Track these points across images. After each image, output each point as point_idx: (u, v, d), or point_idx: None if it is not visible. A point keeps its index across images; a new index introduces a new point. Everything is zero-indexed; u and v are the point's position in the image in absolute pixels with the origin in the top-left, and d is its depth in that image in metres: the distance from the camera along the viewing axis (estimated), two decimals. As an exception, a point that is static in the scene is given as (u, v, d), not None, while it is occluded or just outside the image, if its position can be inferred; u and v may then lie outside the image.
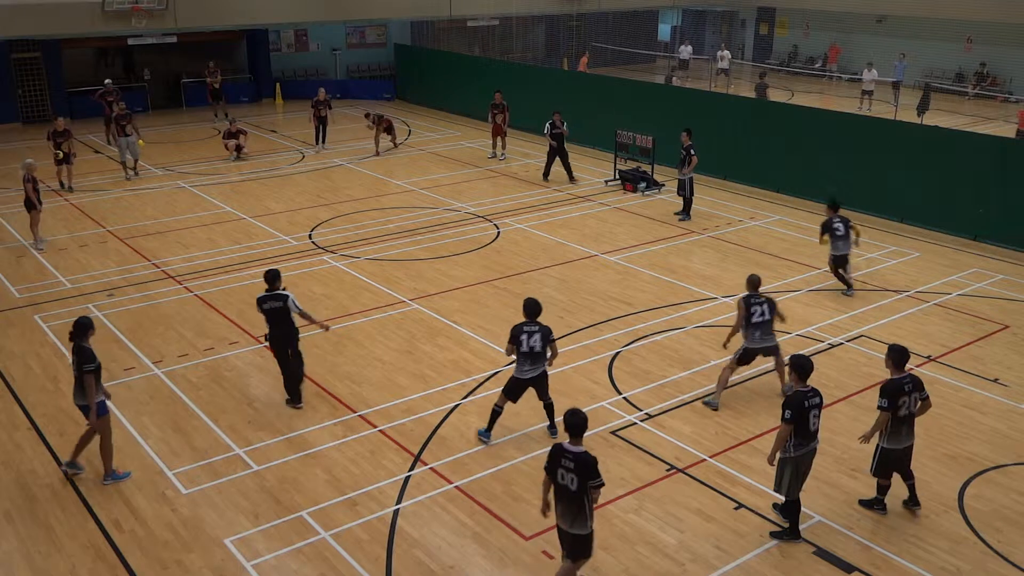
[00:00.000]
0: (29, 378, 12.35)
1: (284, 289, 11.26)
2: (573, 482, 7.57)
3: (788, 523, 9.04)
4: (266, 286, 11.20)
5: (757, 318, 11.50)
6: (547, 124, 22.20)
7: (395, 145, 26.36)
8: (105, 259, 16.96)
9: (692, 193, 19.44)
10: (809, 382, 8.77)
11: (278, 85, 33.61)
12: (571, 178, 22.35)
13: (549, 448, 7.89)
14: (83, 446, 9.95)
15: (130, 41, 29.50)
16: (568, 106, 25.45)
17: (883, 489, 9.47)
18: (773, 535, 9.06)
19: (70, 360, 9.91)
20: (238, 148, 24.49)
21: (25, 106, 29.57)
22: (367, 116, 26.41)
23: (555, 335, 9.94)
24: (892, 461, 9.18)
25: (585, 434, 7.85)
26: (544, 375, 10.48)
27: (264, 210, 20.05)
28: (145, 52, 32.18)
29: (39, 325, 14.03)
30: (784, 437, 8.68)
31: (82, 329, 9.71)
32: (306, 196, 21.17)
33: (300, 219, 19.40)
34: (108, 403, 9.93)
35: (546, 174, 22.66)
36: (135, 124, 22.36)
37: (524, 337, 10.24)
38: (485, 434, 10.68)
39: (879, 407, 8.98)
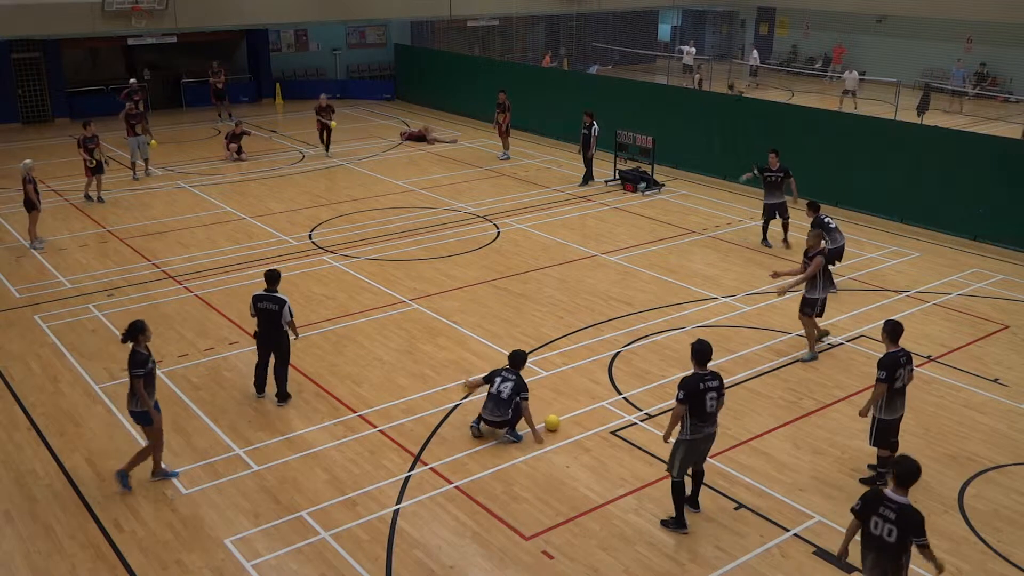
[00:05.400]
0: (29, 378, 12.35)
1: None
2: (891, 533, 6.86)
3: (675, 509, 9.08)
4: (265, 285, 11.34)
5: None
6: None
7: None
8: (105, 259, 16.96)
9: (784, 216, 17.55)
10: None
11: (278, 85, 33.61)
12: (584, 179, 22.24)
13: (863, 494, 7.21)
14: (140, 460, 9.77)
15: (130, 41, 29.50)
16: (568, 106, 25.52)
17: (884, 461, 9.78)
18: (663, 523, 9.19)
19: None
20: (239, 151, 24.47)
21: (25, 106, 29.58)
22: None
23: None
24: (891, 431, 9.66)
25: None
26: (504, 423, 10.65)
27: (264, 210, 20.06)
28: (146, 52, 32.19)
29: (39, 325, 14.03)
30: (677, 417, 8.82)
31: (132, 331, 9.46)
32: (306, 196, 21.17)
33: (300, 219, 19.40)
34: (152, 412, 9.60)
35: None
36: (146, 124, 22.41)
37: (498, 380, 10.65)
38: (477, 430, 10.84)
39: (878, 379, 9.37)
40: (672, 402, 9.66)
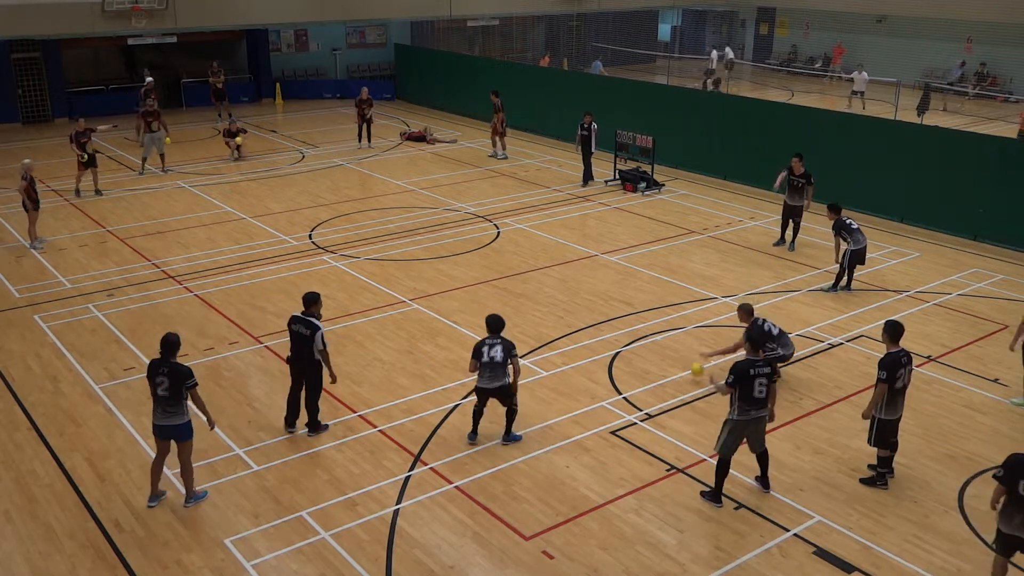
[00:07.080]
0: (29, 378, 12.35)
1: (318, 319, 10.51)
2: None
3: (715, 483, 9.55)
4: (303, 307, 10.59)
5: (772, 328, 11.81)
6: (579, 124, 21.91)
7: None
8: (105, 259, 16.96)
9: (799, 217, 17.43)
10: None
11: (278, 85, 33.61)
12: (584, 179, 22.22)
13: (1005, 460, 7.79)
14: (191, 474, 9.48)
15: (130, 41, 29.50)
16: (567, 106, 25.52)
17: (884, 461, 9.88)
18: (702, 494, 9.63)
19: (157, 382, 9.13)
20: (239, 148, 24.47)
21: (25, 106, 29.57)
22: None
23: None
24: (891, 431, 9.73)
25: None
26: (504, 388, 10.43)
27: (264, 210, 20.05)
28: (146, 52, 32.19)
29: (39, 325, 14.03)
30: (726, 395, 9.32)
31: (171, 346, 9.19)
32: (306, 196, 21.17)
33: (300, 219, 19.40)
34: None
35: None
36: (163, 121, 22.69)
37: (485, 349, 10.33)
38: (472, 436, 10.69)
39: (879, 379, 9.44)
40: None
